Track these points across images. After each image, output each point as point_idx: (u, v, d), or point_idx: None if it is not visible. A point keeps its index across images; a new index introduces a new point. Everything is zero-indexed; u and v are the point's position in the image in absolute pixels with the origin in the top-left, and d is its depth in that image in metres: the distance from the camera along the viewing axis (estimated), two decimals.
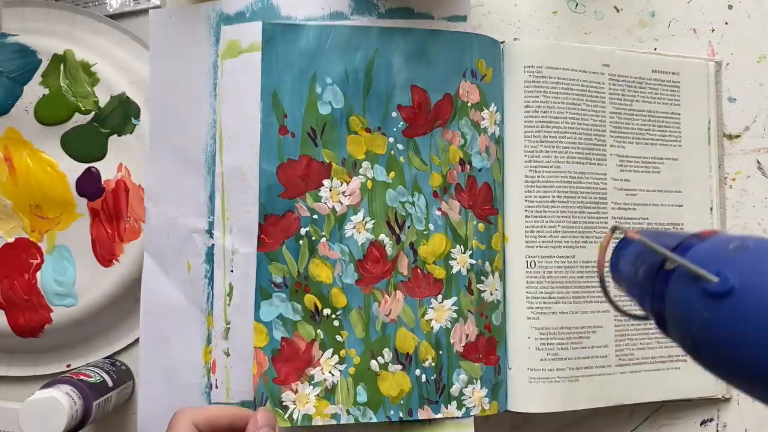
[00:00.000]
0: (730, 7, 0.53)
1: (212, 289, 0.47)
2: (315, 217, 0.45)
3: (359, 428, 0.45)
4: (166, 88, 0.48)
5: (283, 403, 0.44)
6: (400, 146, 0.46)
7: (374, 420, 0.44)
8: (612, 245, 0.28)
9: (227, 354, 0.46)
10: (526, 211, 0.48)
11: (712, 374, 0.21)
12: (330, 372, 0.44)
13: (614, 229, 0.28)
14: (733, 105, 0.53)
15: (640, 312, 0.26)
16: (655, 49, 0.53)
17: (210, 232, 0.47)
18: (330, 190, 0.45)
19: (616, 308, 0.28)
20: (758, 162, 0.53)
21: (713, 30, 0.53)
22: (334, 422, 0.44)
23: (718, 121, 0.53)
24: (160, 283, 0.47)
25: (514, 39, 0.51)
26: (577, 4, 0.52)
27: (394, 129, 0.46)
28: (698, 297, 0.20)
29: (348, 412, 0.44)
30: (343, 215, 0.45)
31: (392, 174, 0.46)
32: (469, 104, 0.47)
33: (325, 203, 0.45)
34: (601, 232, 0.49)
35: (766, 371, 0.19)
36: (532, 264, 0.47)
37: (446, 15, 0.48)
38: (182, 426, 0.40)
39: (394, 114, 0.46)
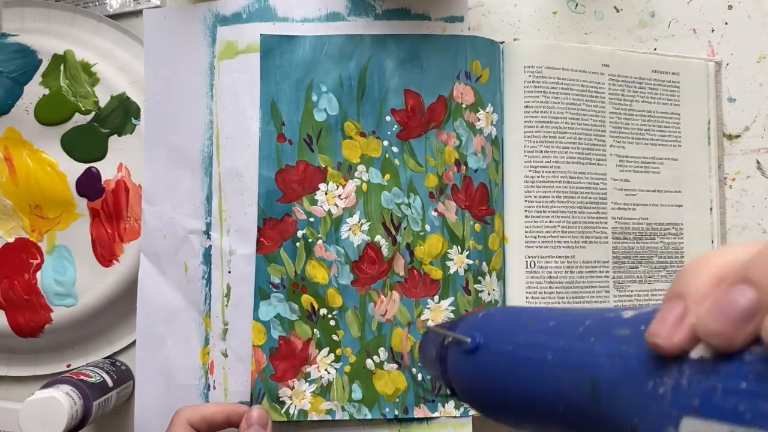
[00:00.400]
0: (730, 7, 0.53)
1: (210, 290, 0.47)
2: (311, 219, 0.46)
3: (358, 425, 0.46)
4: (161, 89, 0.48)
5: (280, 399, 0.45)
6: (394, 149, 0.46)
7: (369, 417, 0.45)
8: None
9: (225, 355, 0.46)
10: (525, 211, 0.48)
11: (483, 415, 0.27)
12: (326, 370, 0.45)
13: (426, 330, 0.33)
14: (733, 105, 0.53)
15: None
16: (655, 49, 0.53)
17: (207, 233, 0.47)
18: (326, 194, 0.46)
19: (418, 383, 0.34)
20: (758, 162, 0.53)
21: (713, 30, 0.53)
22: (329, 418, 0.45)
23: (718, 121, 0.53)
24: (158, 284, 0.47)
25: (514, 39, 0.51)
26: (577, 5, 0.52)
27: (389, 132, 0.46)
28: (462, 355, 0.26)
29: (343, 409, 0.45)
30: (339, 218, 0.46)
31: (387, 176, 0.46)
32: (464, 106, 0.47)
33: (321, 206, 0.46)
34: (601, 232, 0.49)
35: (504, 404, 0.24)
36: (532, 264, 0.47)
37: (443, 16, 0.48)
38: (177, 426, 0.40)
39: (388, 118, 0.46)
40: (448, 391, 0.29)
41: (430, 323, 0.34)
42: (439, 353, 0.29)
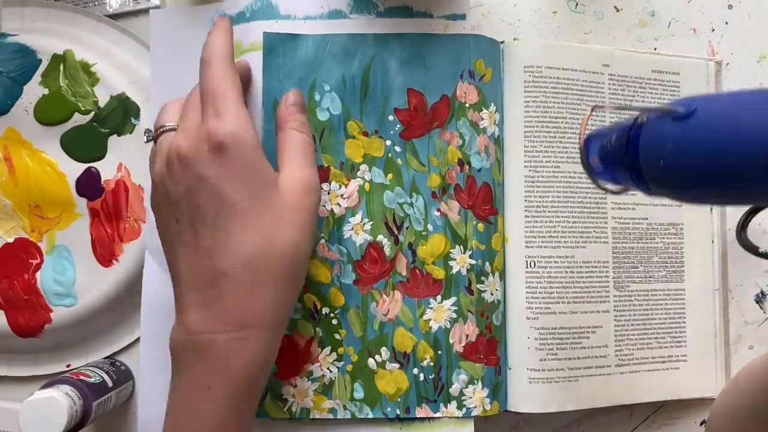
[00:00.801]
0: (730, 7, 0.53)
1: None
2: None
3: (360, 424, 0.46)
4: (167, 89, 0.48)
5: (283, 397, 0.45)
6: (397, 148, 0.46)
7: (371, 416, 0.45)
8: (588, 129, 0.32)
9: None
10: (525, 211, 0.48)
11: (682, 195, 0.26)
12: (328, 368, 0.45)
13: (594, 108, 0.32)
14: None
15: (615, 187, 0.31)
16: (655, 48, 0.53)
17: None
18: (329, 193, 0.45)
19: (593, 178, 0.32)
20: None
21: (713, 30, 0.53)
22: (331, 416, 0.45)
23: None
24: (162, 281, 0.47)
25: (514, 39, 0.51)
26: (577, 4, 0.52)
27: (391, 132, 0.46)
28: (669, 125, 0.25)
29: (345, 408, 0.45)
30: (341, 217, 0.45)
31: (390, 176, 0.46)
32: (467, 105, 0.47)
33: (324, 206, 0.45)
34: (601, 232, 0.49)
35: (721, 170, 0.24)
36: (532, 264, 0.47)
37: (445, 13, 0.48)
38: (236, 65, 0.42)
39: (390, 117, 0.46)
40: (633, 179, 0.28)
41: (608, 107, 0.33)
42: (624, 135, 0.28)
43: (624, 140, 0.28)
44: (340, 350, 0.45)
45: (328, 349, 0.45)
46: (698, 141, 0.25)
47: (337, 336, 0.45)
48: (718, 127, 0.24)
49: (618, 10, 0.53)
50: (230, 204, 0.37)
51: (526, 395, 0.47)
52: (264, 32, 0.46)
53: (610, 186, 0.31)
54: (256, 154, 0.38)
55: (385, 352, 0.45)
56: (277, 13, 0.47)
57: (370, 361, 0.45)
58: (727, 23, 0.53)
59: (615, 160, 0.29)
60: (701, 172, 0.25)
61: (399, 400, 0.45)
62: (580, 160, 0.32)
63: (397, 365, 0.45)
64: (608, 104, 0.30)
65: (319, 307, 0.45)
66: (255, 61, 0.46)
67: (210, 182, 0.37)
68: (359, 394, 0.45)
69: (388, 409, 0.45)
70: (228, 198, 0.37)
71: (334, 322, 0.45)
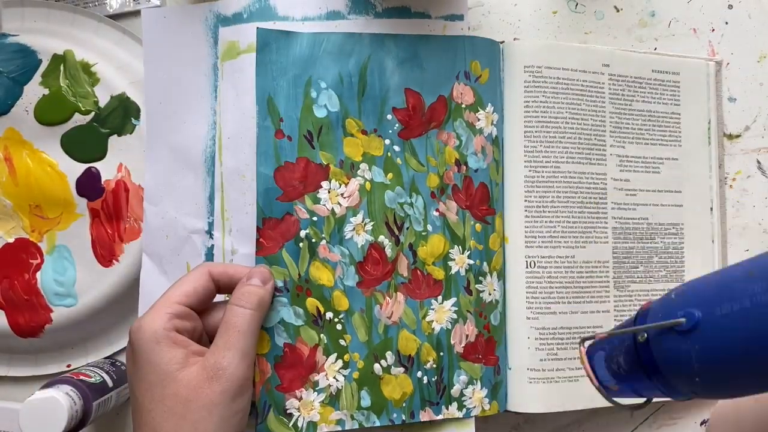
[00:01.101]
0: (730, 6, 0.53)
1: None
2: (314, 219, 0.44)
3: None
4: (162, 90, 0.48)
5: (288, 411, 0.43)
6: (396, 148, 0.46)
7: (378, 424, 0.44)
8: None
9: None
10: (525, 211, 0.48)
11: (726, 395, 0.26)
12: (334, 377, 0.43)
13: (582, 340, 0.32)
14: (733, 105, 0.53)
15: (640, 400, 0.31)
16: (655, 49, 0.53)
17: (210, 233, 0.47)
18: (329, 192, 0.45)
19: (611, 400, 0.31)
20: (758, 162, 0.53)
21: (713, 30, 0.53)
22: (339, 428, 0.43)
23: (719, 121, 0.53)
24: (159, 284, 0.47)
25: (514, 39, 0.51)
26: (577, 4, 0.52)
27: (390, 131, 0.46)
28: (679, 340, 0.25)
29: (352, 417, 0.43)
30: (342, 217, 0.45)
31: (390, 175, 0.46)
32: (463, 106, 0.47)
33: (324, 205, 0.45)
34: (602, 232, 0.49)
35: (749, 365, 0.23)
36: (532, 264, 0.47)
37: (443, 14, 0.48)
38: (198, 271, 0.41)
39: (389, 116, 0.46)
40: (662, 390, 0.27)
41: (588, 343, 0.32)
42: (633, 357, 0.27)
43: (635, 359, 0.28)
44: (346, 357, 0.44)
45: (333, 357, 0.44)
46: (722, 349, 0.24)
47: (342, 342, 0.44)
48: (734, 325, 0.24)
49: (618, 10, 0.53)
50: (135, 399, 0.38)
51: (527, 395, 0.47)
52: (258, 28, 0.45)
53: (631, 402, 0.31)
54: (153, 347, 0.37)
55: (390, 357, 0.44)
56: (275, 14, 0.47)
57: (376, 366, 0.44)
58: (727, 23, 0.53)
59: (632, 377, 0.29)
60: (739, 372, 0.24)
61: (404, 405, 0.44)
62: (593, 385, 0.31)
63: (402, 369, 0.45)
64: (600, 332, 0.30)
65: (322, 312, 0.44)
66: (252, 62, 0.46)
67: (129, 378, 0.39)
68: (366, 401, 0.44)
69: (394, 415, 0.44)
70: (134, 393, 0.38)
71: (339, 327, 0.44)
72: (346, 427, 0.43)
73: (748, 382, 0.25)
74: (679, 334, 0.25)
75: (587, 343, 0.32)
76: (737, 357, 0.24)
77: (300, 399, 0.43)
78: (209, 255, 0.47)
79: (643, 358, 0.27)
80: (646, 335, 0.27)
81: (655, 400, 0.30)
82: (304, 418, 0.43)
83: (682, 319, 0.24)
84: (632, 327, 0.28)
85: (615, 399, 0.31)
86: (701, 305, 0.25)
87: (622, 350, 0.29)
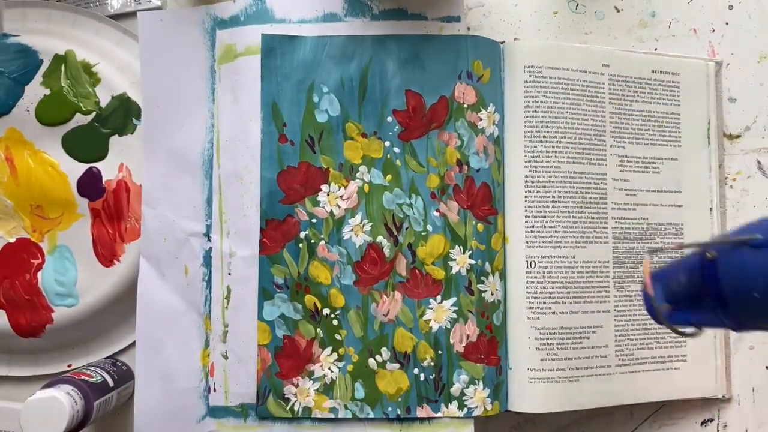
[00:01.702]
0: (730, 7, 0.53)
1: (210, 292, 0.47)
2: (314, 221, 0.46)
3: (361, 423, 0.46)
4: (160, 92, 0.48)
5: (285, 396, 0.46)
6: (396, 150, 0.46)
7: (372, 416, 0.45)
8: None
9: (225, 357, 0.46)
10: (526, 211, 0.48)
11: None
12: (329, 368, 0.46)
13: (652, 250, 0.31)
14: (733, 105, 0.53)
15: (691, 329, 0.30)
16: (656, 49, 0.53)
17: (208, 235, 0.47)
18: (328, 195, 0.46)
19: (668, 324, 0.30)
20: (759, 162, 0.53)
21: (713, 30, 0.53)
22: (332, 416, 0.45)
23: (718, 121, 0.53)
24: (157, 287, 0.47)
25: (515, 39, 0.51)
26: (577, 5, 0.52)
27: (390, 133, 0.46)
28: (749, 255, 0.25)
29: (346, 407, 0.46)
30: (341, 218, 0.46)
31: (389, 177, 0.46)
32: (465, 105, 0.47)
33: (324, 207, 0.46)
34: (602, 232, 0.49)
35: None
36: (532, 264, 0.47)
37: (440, 16, 0.48)
38: None
39: (389, 119, 0.46)
40: (720, 317, 0.27)
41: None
42: (697, 274, 0.27)
43: (698, 279, 0.28)
44: (341, 350, 0.46)
45: (329, 350, 0.46)
46: None
47: (337, 336, 0.46)
48: None
49: (618, 11, 0.53)
50: None
51: (527, 395, 0.47)
52: (263, 34, 0.46)
53: (686, 329, 0.30)
54: None
55: (385, 352, 0.46)
56: (272, 17, 0.47)
57: (371, 361, 0.46)
58: (727, 23, 0.53)
59: (691, 301, 0.29)
60: None
61: (400, 399, 0.46)
62: (645, 308, 0.31)
63: (397, 365, 0.46)
64: (672, 243, 0.30)
65: (319, 308, 0.46)
66: (250, 65, 0.46)
67: None
68: (360, 393, 0.46)
69: (389, 408, 0.45)
70: None
71: (335, 322, 0.46)
72: (339, 416, 0.46)
73: None
74: (752, 247, 0.25)
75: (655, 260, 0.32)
76: None
77: (297, 386, 0.46)
78: (207, 257, 0.47)
79: (707, 277, 0.27)
80: (715, 252, 0.27)
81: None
82: (300, 404, 0.46)
83: (759, 235, 0.25)
84: (703, 242, 0.28)
85: (668, 323, 0.30)
86: None
87: (685, 273, 0.29)
